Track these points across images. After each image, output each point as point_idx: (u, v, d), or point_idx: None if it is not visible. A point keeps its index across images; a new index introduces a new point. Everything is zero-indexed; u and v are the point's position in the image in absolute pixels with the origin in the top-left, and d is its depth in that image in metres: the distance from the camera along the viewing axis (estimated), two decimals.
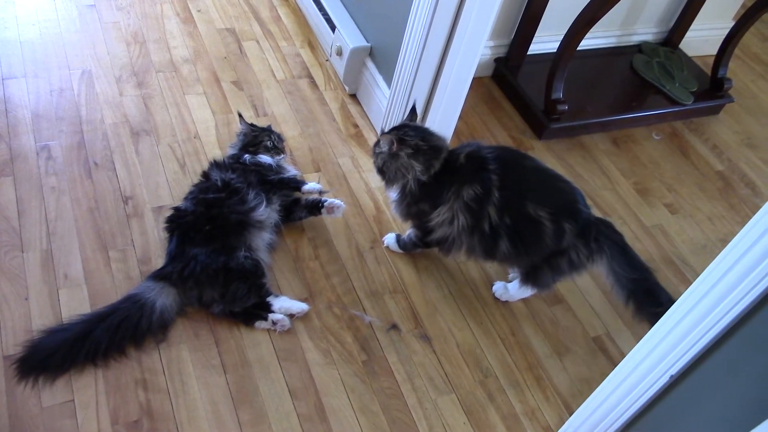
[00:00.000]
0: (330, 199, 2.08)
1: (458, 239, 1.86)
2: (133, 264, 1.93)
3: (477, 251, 1.88)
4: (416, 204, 1.90)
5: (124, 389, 1.68)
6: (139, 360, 1.74)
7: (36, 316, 1.76)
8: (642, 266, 1.86)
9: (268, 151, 2.14)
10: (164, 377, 1.73)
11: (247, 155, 2.10)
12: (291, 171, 2.18)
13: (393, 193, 1.95)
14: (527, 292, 2.05)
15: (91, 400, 1.65)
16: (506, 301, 2.09)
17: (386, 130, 1.96)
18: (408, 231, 2.07)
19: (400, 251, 2.13)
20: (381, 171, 1.92)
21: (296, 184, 2.12)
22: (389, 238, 2.13)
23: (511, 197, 1.79)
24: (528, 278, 1.97)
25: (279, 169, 2.13)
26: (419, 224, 1.97)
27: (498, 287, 2.10)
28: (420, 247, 2.07)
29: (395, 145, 1.83)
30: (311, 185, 2.13)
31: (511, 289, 2.07)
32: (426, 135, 1.86)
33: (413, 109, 2.00)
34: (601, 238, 1.85)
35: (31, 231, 1.94)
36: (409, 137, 1.84)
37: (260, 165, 2.08)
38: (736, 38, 2.88)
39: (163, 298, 1.78)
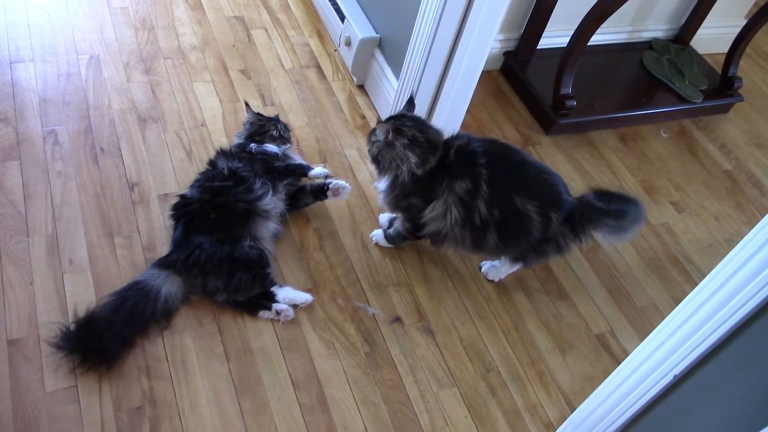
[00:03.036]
0: (335, 180, 2.08)
1: (451, 232, 1.87)
2: (138, 251, 1.93)
3: (467, 243, 1.90)
4: (407, 198, 1.90)
5: (127, 376, 1.69)
6: (142, 347, 1.74)
7: (40, 301, 1.77)
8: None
9: (274, 140, 2.14)
10: (167, 364, 1.73)
11: (253, 144, 2.10)
12: (297, 160, 2.18)
13: (382, 184, 1.94)
14: (515, 267, 2.08)
15: (94, 386, 1.65)
16: (495, 281, 2.12)
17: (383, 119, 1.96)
18: (395, 224, 2.06)
19: (389, 245, 2.12)
20: (375, 160, 1.91)
21: (302, 170, 2.11)
22: (377, 234, 2.12)
23: (500, 191, 1.81)
24: (516, 261, 2.02)
25: (285, 158, 2.12)
26: (409, 218, 1.96)
27: (486, 266, 2.12)
28: (409, 239, 2.07)
29: (391, 134, 1.83)
30: (318, 170, 2.11)
31: (500, 266, 2.09)
32: (423, 127, 1.86)
33: (411, 100, 1.99)
34: (585, 223, 1.87)
35: (36, 216, 1.94)
36: (407, 128, 1.83)
37: (266, 154, 2.08)
38: (747, 37, 2.86)
39: (168, 285, 1.78)
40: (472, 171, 1.81)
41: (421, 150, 1.82)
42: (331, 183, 2.07)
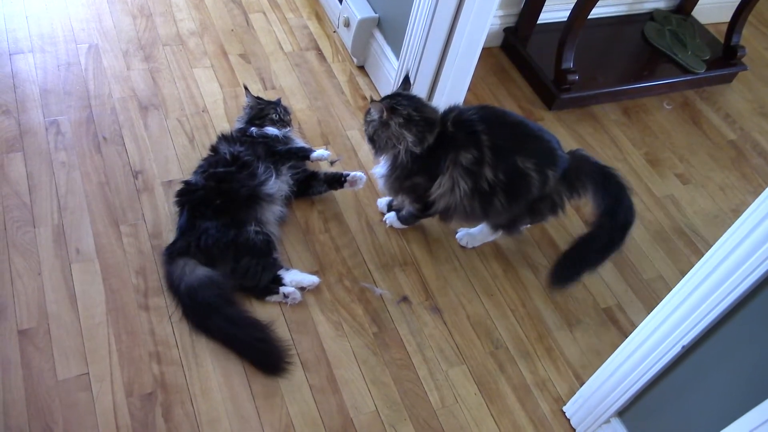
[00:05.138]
0: (352, 173, 2.07)
1: (460, 205, 1.87)
2: (145, 238, 1.94)
3: (476, 212, 1.90)
4: (409, 178, 1.89)
5: (138, 362, 1.70)
6: (152, 333, 1.76)
7: (49, 291, 1.78)
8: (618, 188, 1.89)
9: (274, 123, 2.14)
10: (177, 350, 1.74)
11: (253, 128, 2.10)
12: (299, 143, 2.17)
13: (381, 168, 1.93)
14: (494, 236, 2.09)
15: (105, 373, 1.66)
16: (469, 247, 2.12)
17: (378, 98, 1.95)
18: (406, 206, 2.05)
19: (403, 226, 2.12)
20: (371, 140, 1.90)
21: (304, 153, 2.11)
22: (390, 217, 2.12)
23: (503, 154, 1.81)
24: (501, 228, 2.03)
25: (286, 141, 2.12)
26: (416, 198, 1.96)
27: (461, 234, 2.12)
28: (420, 218, 2.07)
29: (385, 113, 1.81)
30: (319, 152, 2.11)
31: (477, 233, 2.09)
32: (419, 105, 1.84)
33: (406, 78, 1.97)
34: (581, 176, 1.89)
35: (42, 206, 1.95)
36: (402, 106, 1.82)
37: (267, 137, 2.08)
38: (750, 5, 2.83)
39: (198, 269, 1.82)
40: (474, 139, 1.80)
41: (418, 128, 1.81)
42: (348, 175, 2.06)
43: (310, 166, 2.16)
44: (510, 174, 1.82)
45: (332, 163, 2.23)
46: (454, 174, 1.82)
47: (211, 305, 1.76)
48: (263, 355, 1.76)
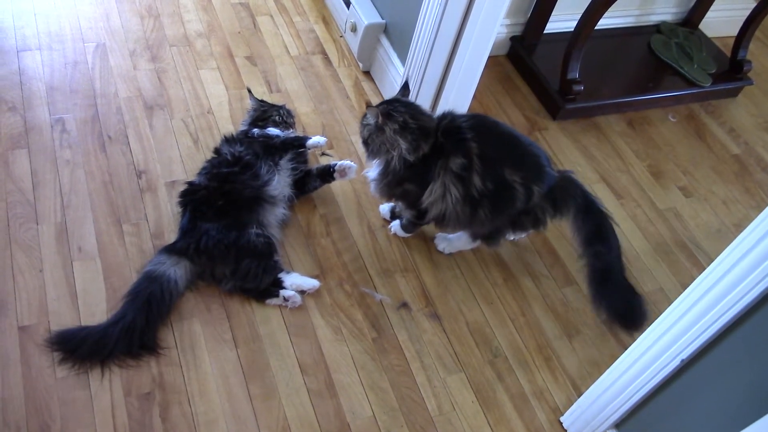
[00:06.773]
0: (340, 162, 2.07)
1: (453, 212, 1.86)
2: (147, 238, 1.94)
3: (463, 220, 1.89)
4: (400, 185, 1.89)
5: (136, 362, 1.70)
6: None
7: (50, 288, 1.78)
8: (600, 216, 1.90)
9: (276, 125, 2.14)
10: (176, 350, 1.74)
11: (255, 129, 2.11)
12: (293, 134, 2.18)
13: (373, 171, 1.93)
14: (473, 245, 2.09)
15: (104, 372, 1.66)
16: (446, 253, 2.12)
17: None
18: (404, 214, 2.05)
19: (406, 235, 2.12)
20: (366, 143, 1.90)
21: (300, 141, 2.09)
22: (395, 225, 2.12)
23: (491, 164, 1.81)
24: (481, 238, 2.03)
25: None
26: (409, 204, 1.96)
27: (439, 239, 2.12)
28: (419, 226, 2.08)
29: (380, 118, 1.81)
30: (315, 139, 2.09)
31: (455, 239, 2.09)
32: (416, 113, 1.83)
33: (406, 85, 1.97)
34: (566, 197, 1.90)
35: (45, 203, 1.95)
36: (398, 113, 1.81)
37: (267, 136, 2.08)
38: (757, 19, 2.83)
39: (176, 269, 1.79)
40: (463, 146, 1.80)
41: (413, 136, 1.80)
42: (336, 164, 2.07)
43: (310, 162, 2.16)
44: (497, 184, 1.81)
45: (323, 154, 2.22)
46: (446, 180, 1.82)
47: (150, 297, 1.74)
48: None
